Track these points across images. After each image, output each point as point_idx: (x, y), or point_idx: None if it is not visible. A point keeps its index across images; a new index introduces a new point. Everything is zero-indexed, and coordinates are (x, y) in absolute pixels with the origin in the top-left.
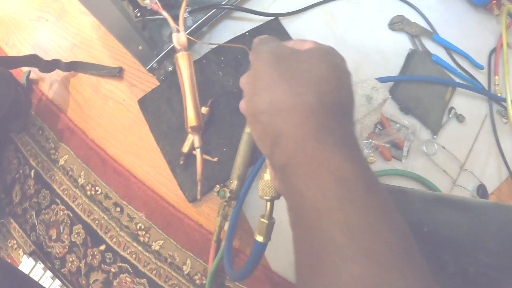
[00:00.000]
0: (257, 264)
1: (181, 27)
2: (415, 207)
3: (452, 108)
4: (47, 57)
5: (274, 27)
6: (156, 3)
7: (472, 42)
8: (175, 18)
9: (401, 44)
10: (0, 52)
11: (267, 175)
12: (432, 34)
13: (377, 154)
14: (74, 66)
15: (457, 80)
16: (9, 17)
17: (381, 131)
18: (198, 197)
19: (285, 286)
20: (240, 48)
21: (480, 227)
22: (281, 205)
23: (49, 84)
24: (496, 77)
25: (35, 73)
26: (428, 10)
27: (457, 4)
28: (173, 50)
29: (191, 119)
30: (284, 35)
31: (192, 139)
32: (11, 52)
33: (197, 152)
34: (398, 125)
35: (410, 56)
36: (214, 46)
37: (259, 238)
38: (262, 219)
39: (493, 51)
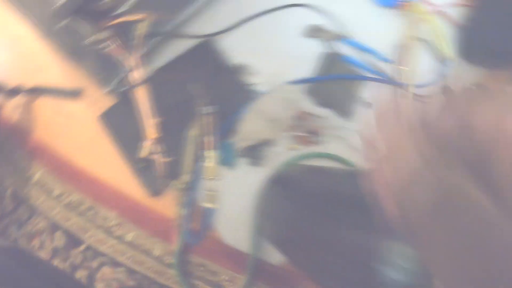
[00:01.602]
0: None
1: (137, 66)
2: (330, 179)
3: (361, 98)
4: (5, 82)
5: (207, 45)
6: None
7: (381, 40)
8: (125, 47)
9: (316, 49)
10: None
11: (208, 163)
12: (343, 38)
13: (299, 142)
14: (35, 91)
15: (366, 74)
16: None
17: (300, 123)
18: (162, 191)
19: (237, 255)
20: (182, 66)
21: None
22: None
23: (13, 109)
24: (403, 67)
25: None
26: (339, 15)
27: (366, 7)
28: (129, 72)
29: (152, 134)
30: (215, 50)
31: (151, 147)
32: None
33: (158, 156)
34: (314, 117)
35: (323, 59)
36: (159, 65)
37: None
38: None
39: (400, 45)
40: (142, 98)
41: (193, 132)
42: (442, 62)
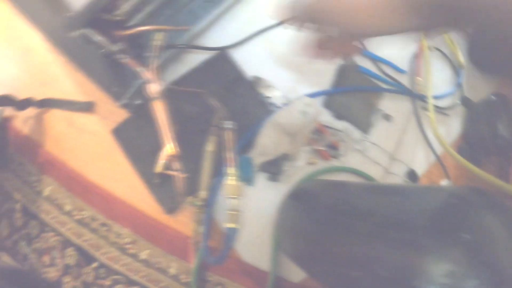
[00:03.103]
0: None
1: (154, 79)
2: (353, 195)
3: (379, 110)
4: (16, 94)
5: (222, 57)
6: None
7: (396, 51)
8: (140, 59)
9: (333, 60)
10: None
11: (230, 181)
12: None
13: (318, 156)
14: (46, 103)
15: (383, 86)
16: None
17: (319, 137)
18: (178, 208)
19: (257, 274)
20: (198, 79)
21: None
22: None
23: (23, 121)
24: (418, 78)
25: (7, 111)
26: None
27: None
28: (142, 86)
29: (171, 149)
30: (231, 63)
31: (167, 163)
32: None
33: (178, 173)
34: (333, 130)
35: (340, 70)
36: (175, 78)
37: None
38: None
39: (415, 55)
40: (159, 112)
41: (210, 148)
42: (457, 71)
